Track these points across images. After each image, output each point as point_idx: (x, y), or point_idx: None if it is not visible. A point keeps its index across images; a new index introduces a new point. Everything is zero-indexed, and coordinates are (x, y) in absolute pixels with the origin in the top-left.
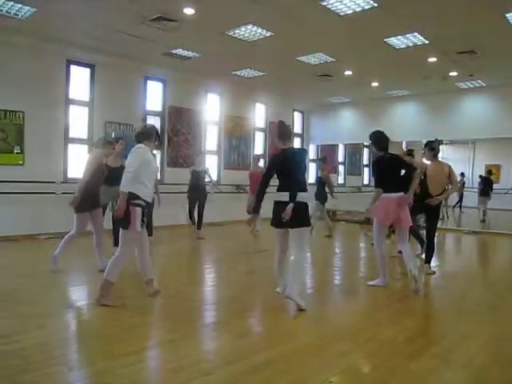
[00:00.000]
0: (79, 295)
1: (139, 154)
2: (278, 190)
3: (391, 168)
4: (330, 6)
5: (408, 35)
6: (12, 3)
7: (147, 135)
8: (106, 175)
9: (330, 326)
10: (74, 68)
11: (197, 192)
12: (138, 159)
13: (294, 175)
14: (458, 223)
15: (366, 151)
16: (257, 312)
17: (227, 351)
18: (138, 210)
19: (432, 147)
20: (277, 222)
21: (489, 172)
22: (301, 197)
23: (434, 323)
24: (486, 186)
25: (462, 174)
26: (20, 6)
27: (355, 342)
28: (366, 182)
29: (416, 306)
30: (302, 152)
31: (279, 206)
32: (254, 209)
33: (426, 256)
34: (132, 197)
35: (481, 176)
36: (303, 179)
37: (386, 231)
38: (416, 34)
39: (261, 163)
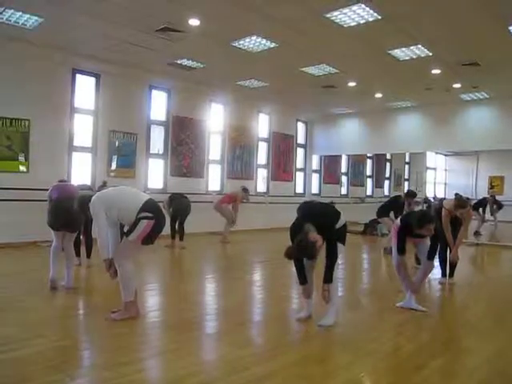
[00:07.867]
0: (80, 303)
1: None
2: None
3: None
4: (333, 18)
5: (412, 47)
6: (20, 13)
7: None
8: None
9: (331, 337)
10: (79, 77)
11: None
12: None
13: None
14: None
15: (369, 162)
16: (258, 322)
17: (227, 362)
18: None
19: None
20: None
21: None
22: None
23: (436, 336)
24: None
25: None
26: (28, 16)
27: (357, 354)
28: (369, 192)
29: (418, 318)
30: None
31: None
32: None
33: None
34: None
35: None
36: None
37: None
38: (419, 45)
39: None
